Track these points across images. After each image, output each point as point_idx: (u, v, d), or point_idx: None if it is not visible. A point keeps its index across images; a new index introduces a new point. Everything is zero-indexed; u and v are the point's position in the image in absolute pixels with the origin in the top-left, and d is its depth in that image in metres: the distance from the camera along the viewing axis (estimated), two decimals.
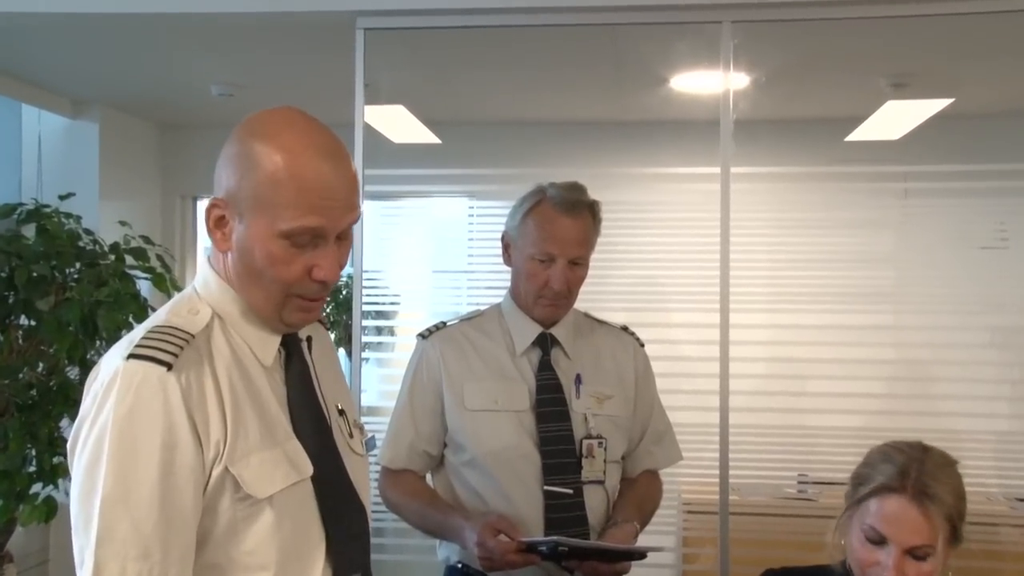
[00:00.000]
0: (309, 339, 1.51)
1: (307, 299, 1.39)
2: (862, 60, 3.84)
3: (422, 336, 2.28)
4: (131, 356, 1.27)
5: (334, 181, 1.34)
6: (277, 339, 1.43)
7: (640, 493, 2.28)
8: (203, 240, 5.64)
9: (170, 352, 1.27)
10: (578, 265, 2.16)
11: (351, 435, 1.53)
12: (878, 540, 1.70)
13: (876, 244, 3.99)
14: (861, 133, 4.62)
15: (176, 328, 1.32)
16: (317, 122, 1.38)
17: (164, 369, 1.26)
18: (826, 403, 3.68)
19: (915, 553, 1.68)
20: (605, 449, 2.16)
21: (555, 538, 1.96)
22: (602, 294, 3.69)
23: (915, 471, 1.70)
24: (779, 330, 3.71)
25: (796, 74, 4.04)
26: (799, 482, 3.97)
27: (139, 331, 1.34)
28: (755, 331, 3.54)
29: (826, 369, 3.66)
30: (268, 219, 1.32)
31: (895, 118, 4.41)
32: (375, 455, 2.11)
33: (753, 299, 3.61)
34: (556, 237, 2.12)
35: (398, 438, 2.23)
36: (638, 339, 2.36)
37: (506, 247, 2.24)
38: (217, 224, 1.37)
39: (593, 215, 2.19)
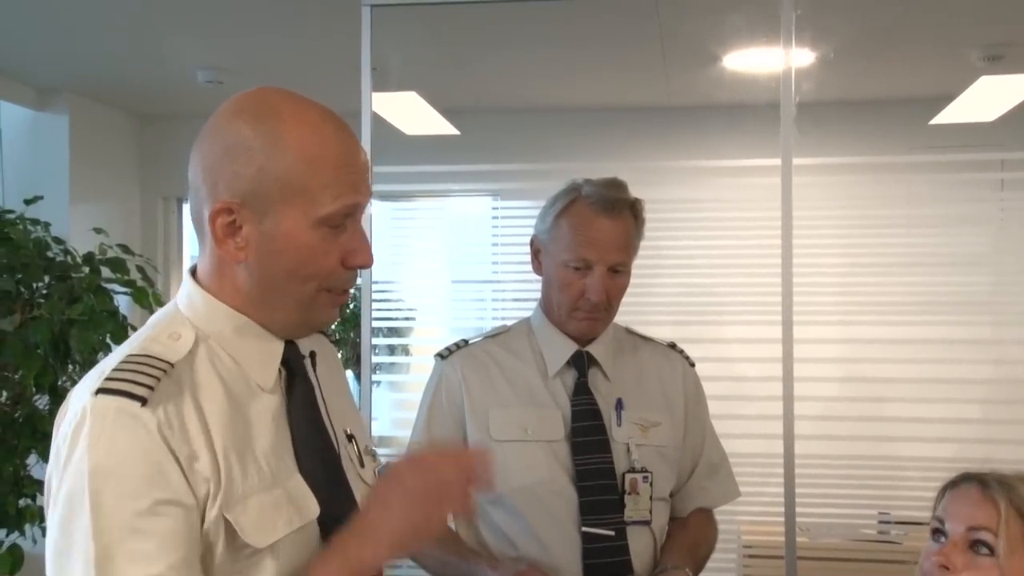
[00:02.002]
0: (313, 355, 1.53)
1: (338, 292, 1.44)
2: (950, 29, 3.86)
3: (441, 356, 2.31)
4: (100, 391, 1.27)
5: (359, 153, 1.41)
6: (279, 354, 1.44)
7: (692, 535, 2.29)
8: (190, 248, 5.72)
9: (144, 385, 1.27)
10: (619, 273, 2.17)
11: (362, 464, 1.55)
12: (940, 530, 1.75)
13: (968, 244, 3.99)
14: (949, 115, 4.63)
15: (152, 356, 1.31)
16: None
17: (138, 404, 1.26)
18: (910, 430, 3.68)
19: (974, 538, 1.69)
20: (651, 484, 2.17)
21: None
22: (646, 306, 3.73)
23: (994, 474, 1.76)
24: (852, 345, 3.72)
25: (870, 48, 4.06)
26: (880, 521, 3.98)
27: (112, 360, 1.33)
28: (824, 347, 3.56)
29: (909, 390, 3.67)
30: (302, 207, 1.34)
31: (990, 96, 4.41)
32: None
33: (821, 310, 3.64)
34: (593, 241, 2.14)
35: None
36: (688, 358, 2.39)
37: (536, 253, 2.26)
38: (228, 232, 1.36)
39: (635, 215, 2.21)
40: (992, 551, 1.67)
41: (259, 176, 1.33)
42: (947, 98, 4.49)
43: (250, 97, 1.39)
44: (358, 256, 1.41)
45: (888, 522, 3.95)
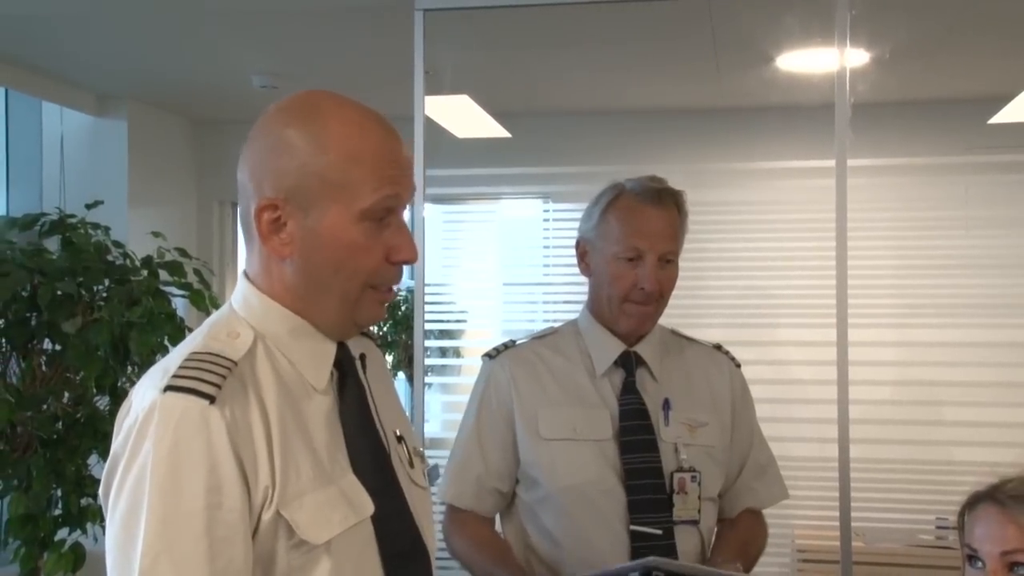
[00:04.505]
0: (363, 356, 1.56)
1: (384, 290, 1.46)
2: (1009, 28, 3.81)
3: (489, 356, 2.34)
4: (168, 388, 1.30)
5: (400, 149, 1.45)
6: (332, 355, 1.48)
7: (742, 534, 2.30)
8: (244, 252, 5.82)
9: (212, 383, 1.30)
10: (669, 263, 2.19)
11: (411, 464, 1.58)
12: (975, 556, 1.77)
13: None
14: (1008, 114, 4.57)
15: (216, 354, 1.34)
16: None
17: (206, 402, 1.29)
18: (969, 434, 3.65)
19: (1011, 561, 1.71)
20: (699, 484, 2.18)
21: (650, 559, 1.96)
22: (700, 308, 3.74)
23: (1015, 481, 1.77)
24: (908, 348, 3.70)
25: (926, 47, 4.03)
26: (937, 527, 3.94)
27: (174, 358, 1.36)
28: (879, 349, 3.55)
29: (966, 394, 3.64)
30: (344, 202, 1.38)
31: None
32: (434, 491, 2.16)
33: (876, 312, 3.62)
34: (643, 230, 2.16)
35: (464, 472, 2.28)
36: (733, 359, 2.39)
37: (583, 255, 2.28)
38: (273, 228, 1.40)
39: (679, 207, 2.22)
40: None
41: (302, 172, 1.37)
42: (1006, 98, 4.43)
43: (293, 99, 1.44)
44: (402, 251, 1.43)
45: (946, 527, 3.90)
